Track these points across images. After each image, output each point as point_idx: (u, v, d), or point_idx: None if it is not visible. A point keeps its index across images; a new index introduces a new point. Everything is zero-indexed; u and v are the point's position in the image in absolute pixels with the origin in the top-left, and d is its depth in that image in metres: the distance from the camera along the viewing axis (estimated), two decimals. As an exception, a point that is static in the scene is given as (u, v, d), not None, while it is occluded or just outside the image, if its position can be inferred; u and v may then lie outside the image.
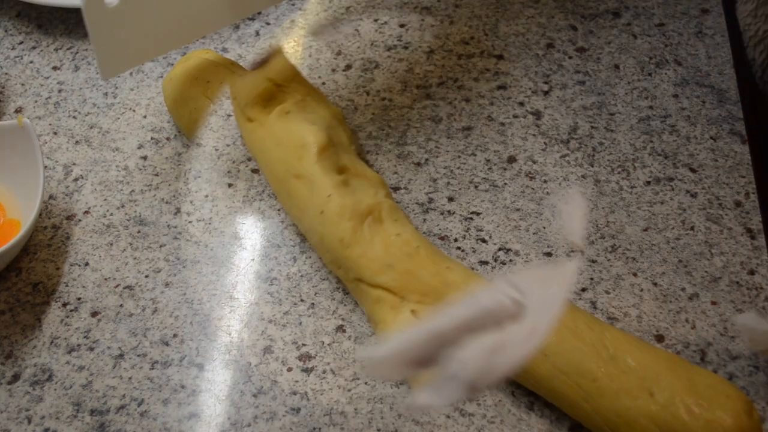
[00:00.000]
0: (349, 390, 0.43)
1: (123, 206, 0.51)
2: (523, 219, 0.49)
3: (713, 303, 0.45)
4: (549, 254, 0.48)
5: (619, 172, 0.52)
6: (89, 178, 0.52)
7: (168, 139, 0.54)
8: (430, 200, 0.50)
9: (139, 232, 0.49)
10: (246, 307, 0.46)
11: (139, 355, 0.44)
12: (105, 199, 0.51)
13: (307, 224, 0.45)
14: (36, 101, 0.57)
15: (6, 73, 0.59)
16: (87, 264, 0.48)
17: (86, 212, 0.51)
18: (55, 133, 0.55)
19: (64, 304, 0.46)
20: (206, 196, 0.51)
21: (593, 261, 0.47)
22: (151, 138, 0.55)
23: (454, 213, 0.50)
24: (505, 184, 0.51)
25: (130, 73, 0.58)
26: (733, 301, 0.45)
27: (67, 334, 0.45)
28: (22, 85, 0.58)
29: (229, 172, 0.52)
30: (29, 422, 0.42)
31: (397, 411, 0.42)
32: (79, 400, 0.43)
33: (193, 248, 0.49)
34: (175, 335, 0.45)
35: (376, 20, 0.62)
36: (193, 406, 0.42)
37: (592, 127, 0.54)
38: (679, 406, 0.37)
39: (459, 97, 0.56)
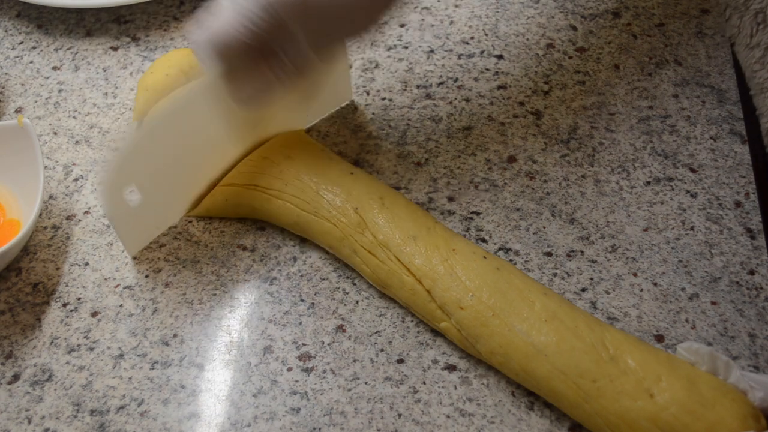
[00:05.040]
0: (349, 390, 0.43)
1: (123, 206, 0.51)
2: (523, 219, 0.49)
3: (713, 303, 0.45)
4: (549, 254, 0.48)
5: (619, 172, 0.52)
6: (89, 178, 0.52)
7: (168, 139, 0.54)
8: (430, 200, 0.50)
9: (135, 257, 0.49)
10: (246, 307, 0.46)
11: (139, 355, 0.44)
12: (105, 199, 0.51)
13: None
14: (36, 101, 0.57)
15: (6, 73, 0.59)
16: (87, 264, 0.48)
17: (86, 212, 0.51)
18: (55, 133, 0.55)
19: (64, 304, 0.46)
20: (206, 196, 0.51)
21: (593, 261, 0.47)
22: (151, 138, 0.55)
23: (454, 213, 0.50)
24: (505, 183, 0.51)
25: (131, 73, 0.59)
26: (733, 301, 0.45)
27: (67, 334, 0.45)
28: (22, 85, 0.58)
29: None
30: (29, 422, 0.42)
31: (397, 411, 0.42)
32: (79, 400, 0.43)
33: (193, 248, 0.49)
34: (175, 335, 0.45)
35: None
36: (193, 406, 0.42)
37: (592, 127, 0.54)
38: (680, 408, 0.37)
39: (459, 97, 0.56)
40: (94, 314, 0.46)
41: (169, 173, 0.47)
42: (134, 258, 0.48)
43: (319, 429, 0.41)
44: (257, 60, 0.41)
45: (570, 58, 0.59)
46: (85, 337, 0.45)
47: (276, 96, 0.43)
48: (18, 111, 0.57)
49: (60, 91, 0.58)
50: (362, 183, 0.47)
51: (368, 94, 0.57)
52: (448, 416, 0.42)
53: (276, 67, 0.41)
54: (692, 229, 0.49)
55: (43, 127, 0.55)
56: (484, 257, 0.43)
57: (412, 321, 0.45)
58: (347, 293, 0.46)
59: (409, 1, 0.62)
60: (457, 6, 0.63)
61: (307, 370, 0.43)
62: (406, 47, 0.60)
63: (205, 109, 0.45)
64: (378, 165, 0.52)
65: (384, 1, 0.42)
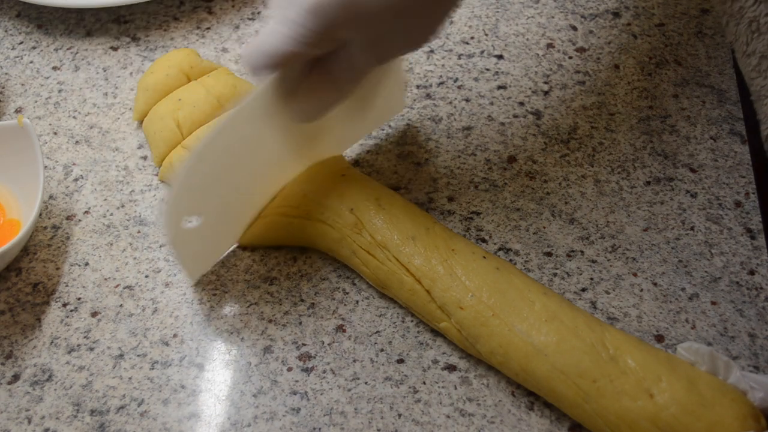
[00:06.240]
0: (349, 390, 0.43)
1: (123, 206, 0.51)
2: (523, 219, 0.49)
3: (713, 303, 0.45)
4: (549, 254, 0.48)
5: (619, 172, 0.52)
6: (89, 178, 0.52)
7: (168, 139, 0.54)
8: (430, 200, 0.50)
9: (139, 232, 0.49)
10: (246, 307, 0.46)
11: (139, 355, 0.44)
12: (105, 199, 0.51)
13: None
14: (36, 101, 0.57)
15: (6, 73, 0.59)
16: (87, 264, 0.48)
17: (86, 212, 0.51)
18: (55, 133, 0.55)
19: (64, 304, 0.46)
20: (206, 196, 0.51)
21: (593, 261, 0.47)
22: (151, 138, 0.55)
23: (454, 213, 0.50)
24: (505, 183, 0.51)
25: (131, 73, 0.59)
26: (733, 301, 0.45)
27: (67, 334, 0.45)
28: (22, 85, 0.58)
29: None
30: (29, 422, 0.42)
31: (397, 411, 0.42)
32: (79, 400, 0.43)
33: (193, 248, 0.49)
34: (175, 335, 0.45)
35: (376, 20, 0.62)
36: (193, 406, 0.42)
37: (592, 127, 0.54)
38: (680, 408, 0.37)
39: (459, 97, 0.56)
40: (94, 314, 0.46)
41: (226, 195, 0.45)
42: (195, 284, 0.46)
43: (319, 429, 0.41)
44: (310, 71, 0.39)
45: (570, 58, 0.59)
46: (85, 337, 0.45)
47: (332, 106, 0.41)
48: (18, 111, 0.57)
49: (60, 91, 0.58)
50: (355, 185, 0.46)
51: (368, 94, 0.57)
52: (448, 416, 0.42)
53: (333, 83, 0.40)
54: (692, 229, 0.49)
55: (43, 127, 0.55)
56: (484, 257, 0.43)
57: (412, 321, 0.45)
58: (347, 293, 0.46)
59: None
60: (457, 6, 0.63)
61: (307, 370, 0.43)
62: (406, 47, 0.60)
63: (258, 127, 0.43)
64: (378, 165, 0.52)
65: (443, 8, 0.40)
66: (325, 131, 0.47)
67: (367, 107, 0.48)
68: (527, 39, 0.60)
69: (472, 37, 0.60)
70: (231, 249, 0.48)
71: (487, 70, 0.58)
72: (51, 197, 0.51)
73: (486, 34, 0.61)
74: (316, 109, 0.41)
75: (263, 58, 0.38)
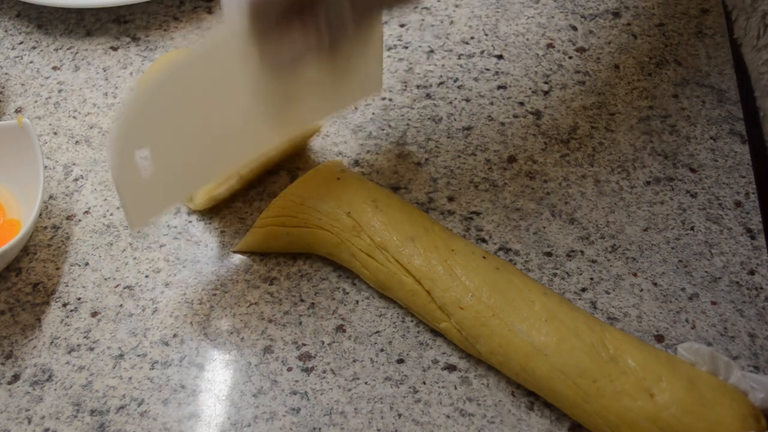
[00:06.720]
0: (349, 390, 0.43)
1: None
2: (523, 219, 0.49)
3: (713, 303, 0.45)
4: (549, 254, 0.48)
5: (619, 172, 0.52)
6: (89, 178, 0.52)
7: (168, 139, 0.54)
8: (430, 200, 0.50)
9: (139, 232, 0.49)
10: (246, 307, 0.46)
11: (139, 355, 0.44)
12: (105, 199, 0.51)
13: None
14: (36, 101, 0.57)
15: (6, 73, 0.59)
16: (87, 264, 0.48)
17: (86, 212, 0.51)
18: (55, 133, 0.55)
19: (64, 304, 0.46)
20: (206, 196, 0.51)
21: (593, 261, 0.47)
22: (151, 138, 0.54)
23: (454, 213, 0.50)
24: (505, 183, 0.51)
25: (131, 73, 0.59)
26: (733, 301, 0.45)
27: (67, 334, 0.45)
28: (22, 85, 0.58)
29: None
30: (29, 422, 0.42)
31: (397, 411, 0.42)
32: (79, 400, 0.43)
33: (193, 248, 0.49)
34: (175, 335, 0.45)
35: (376, 20, 0.62)
36: (193, 406, 0.42)
37: (592, 127, 0.54)
38: (680, 408, 0.37)
39: (459, 97, 0.56)
40: (94, 314, 0.46)
41: (187, 141, 0.42)
42: (137, 232, 0.44)
43: (319, 429, 0.41)
44: (292, 21, 0.37)
45: (570, 58, 0.59)
46: (85, 337, 0.45)
47: (306, 56, 0.39)
48: (18, 111, 0.57)
49: (60, 91, 0.58)
50: (351, 187, 0.46)
51: (368, 94, 0.57)
52: (448, 416, 0.42)
53: (311, 31, 0.37)
54: (692, 229, 0.49)
55: (43, 127, 0.55)
56: (484, 257, 0.43)
57: (412, 321, 0.45)
58: (347, 293, 0.46)
59: None
60: (457, 6, 0.63)
61: (307, 370, 0.43)
62: (406, 47, 0.60)
63: (227, 69, 0.40)
64: (378, 165, 0.52)
65: None
66: (298, 98, 0.45)
67: (343, 78, 0.45)
68: (527, 39, 0.60)
69: (472, 37, 0.60)
70: (179, 204, 0.46)
71: (487, 70, 0.58)
72: (51, 197, 0.51)
73: (486, 34, 0.61)
74: (290, 56, 0.39)
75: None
